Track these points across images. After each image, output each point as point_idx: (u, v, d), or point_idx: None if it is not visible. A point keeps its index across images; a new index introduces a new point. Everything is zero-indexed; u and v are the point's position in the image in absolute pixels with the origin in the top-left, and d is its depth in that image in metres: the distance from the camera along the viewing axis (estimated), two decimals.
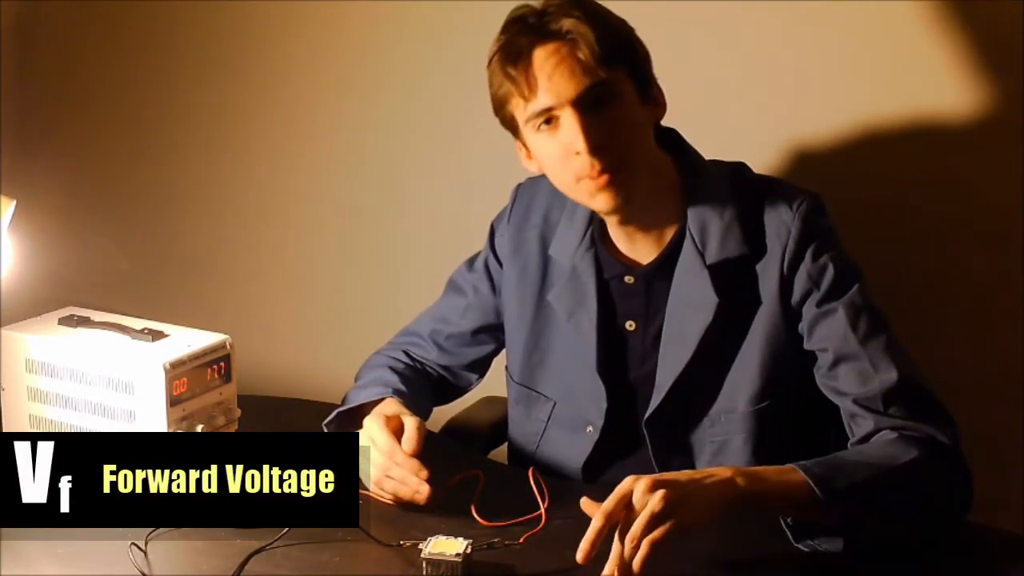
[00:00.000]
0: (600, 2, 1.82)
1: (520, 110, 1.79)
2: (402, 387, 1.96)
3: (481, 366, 2.10)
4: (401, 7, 2.55)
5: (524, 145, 1.86)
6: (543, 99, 1.76)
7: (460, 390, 2.13)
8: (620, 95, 1.77)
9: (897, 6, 2.19)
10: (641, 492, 1.53)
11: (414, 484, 1.73)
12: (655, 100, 1.84)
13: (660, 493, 1.52)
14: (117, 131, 2.83)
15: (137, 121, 2.81)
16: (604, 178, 1.76)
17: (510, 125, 1.85)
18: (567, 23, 1.75)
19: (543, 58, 1.76)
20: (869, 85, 2.25)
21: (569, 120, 1.75)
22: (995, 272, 2.25)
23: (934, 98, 2.21)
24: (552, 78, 1.75)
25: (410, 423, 1.78)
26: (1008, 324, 2.25)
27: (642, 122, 1.81)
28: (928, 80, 2.21)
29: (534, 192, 2.01)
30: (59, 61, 2.82)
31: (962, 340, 2.26)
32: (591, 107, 1.75)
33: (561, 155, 1.78)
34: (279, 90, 2.70)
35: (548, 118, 1.77)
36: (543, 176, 2.02)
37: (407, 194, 2.66)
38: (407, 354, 2.09)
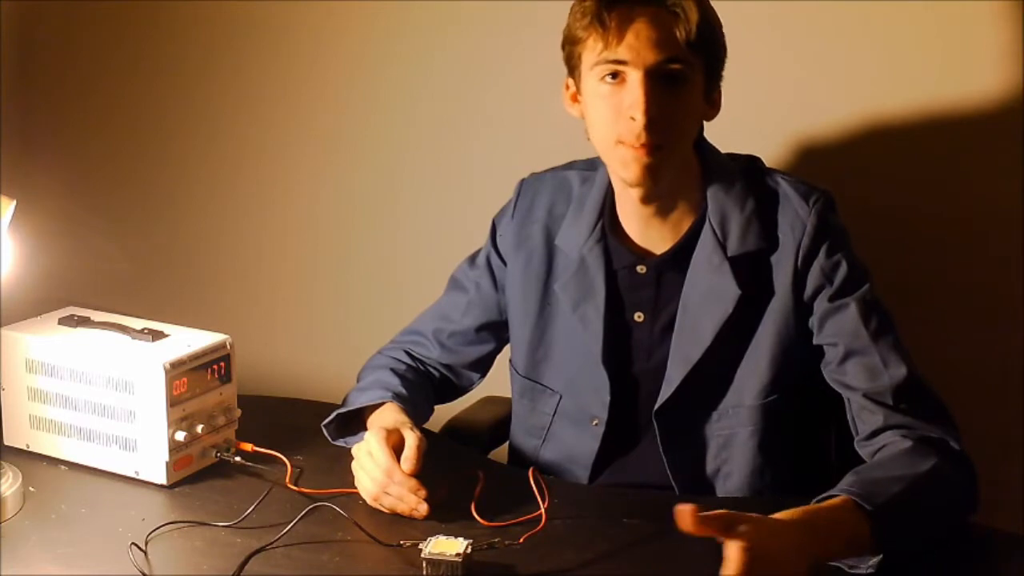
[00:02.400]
0: None
1: (593, 52, 1.79)
2: (403, 391, 1.96)
3: (483, 365, 2.10)
4: (401, 7, 2.55)
5: (576, 85, 1.85)
6: (622, 52, 1.76)
7: (462, 389, 2.13)
8: (690, 83, 1.78)
9: (903, 4, 2.19)
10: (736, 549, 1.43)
11: (412, 502, 1.73)
12: (714, 101, 1.85)
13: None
14: (117, 131, 2.83)
15: (137, 121, 2.81)
16: (645, 150, 1.77)
17: (571, 62, 1.85)
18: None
19: (641, 17, 1.76)
20: (874, 83, 2.25)
21: (636, 83, 1.76)
22: (996, 271, 2.25)
23: (938, 96, 2.21)
24: (640, 38, 1.75)
25: (411, 440, 1.76)
26: (1009, 323, 2.25)
27: (698, 116, 1.84)
28: (932, 78, 2.21)
29: (537, 187, 2.01)
30: (59, 61, 2.82)
31: (962, 339, 2.26)
32: (660, 81, 1.76)
33: (613, 113, 1.78)
34: (279, 90, 2.70)
35: (615, 72, 1.77)
36: (546, 172, 2.02)
37: (407, 194, 2.66)
38: (409, 354, 2.09)
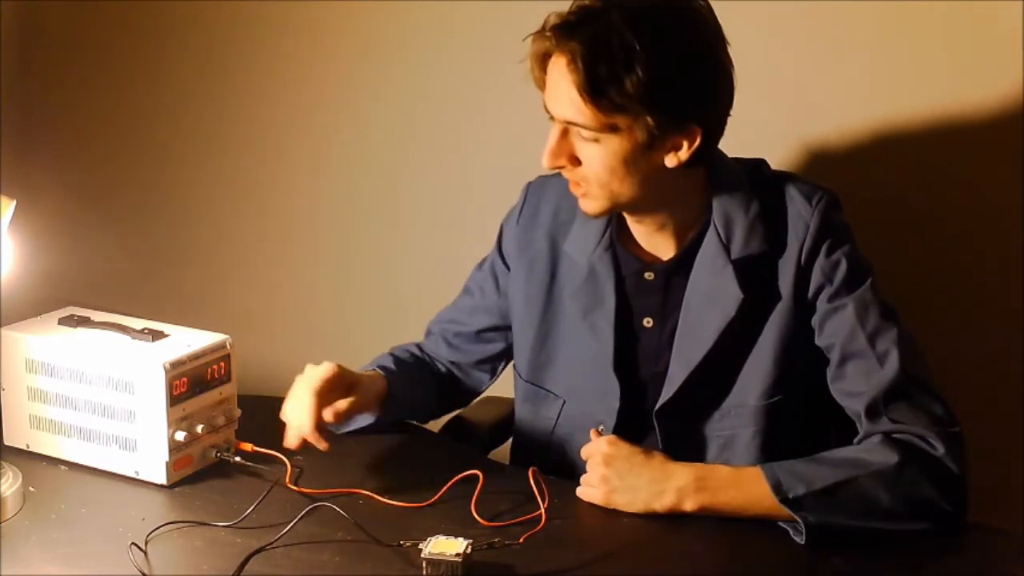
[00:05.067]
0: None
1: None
2: (393, 367, 2.01)
3: (491, 365, 2.11)
4: (402, 7, 2.55)
5: None
6: (546, 100, 1.78)
7: (473, 389, 2.14)
8: (607, 141, 1.74)
9: (912, 6, 2.19)
10: (596, 462, 1.76)
11: (297, 430, 1.81)
12: (671, 146, 1.75)
13: (600, 474, 1.75)
14: (117, 131, 2.83)
15: (137, 121, 2.81)
16: (575, 189, 1.81)
17: None
18: (579, 49, 1.69)
19: (552, 67, 1.75)
20: (883, 85, 2.25)
21: (553, 132, 1.78)
22: (999, 270, 2.24)
23: (946, 98, 2.20)
24: (550, 90, 1.76)
25: (326, 369, 1.85)
26: (1009, 323, 2.24)
27: (633, 165, 1.75)
28: (941, 80, 2.20)
29: (543, 192, 2.01)
30: (59, 61, 2.82)
31: (964, 338, 2.26)
32: (576, 132, 1.76)
33: None
34: (279, 90, 2.70)
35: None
36: (553, 175, 2.02)
37: (407, 195, 2.66)
38: (419, 347, 2.13)
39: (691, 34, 1.73)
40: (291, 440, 1.83)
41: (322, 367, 1.87)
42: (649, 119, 1.72)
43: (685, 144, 1.76)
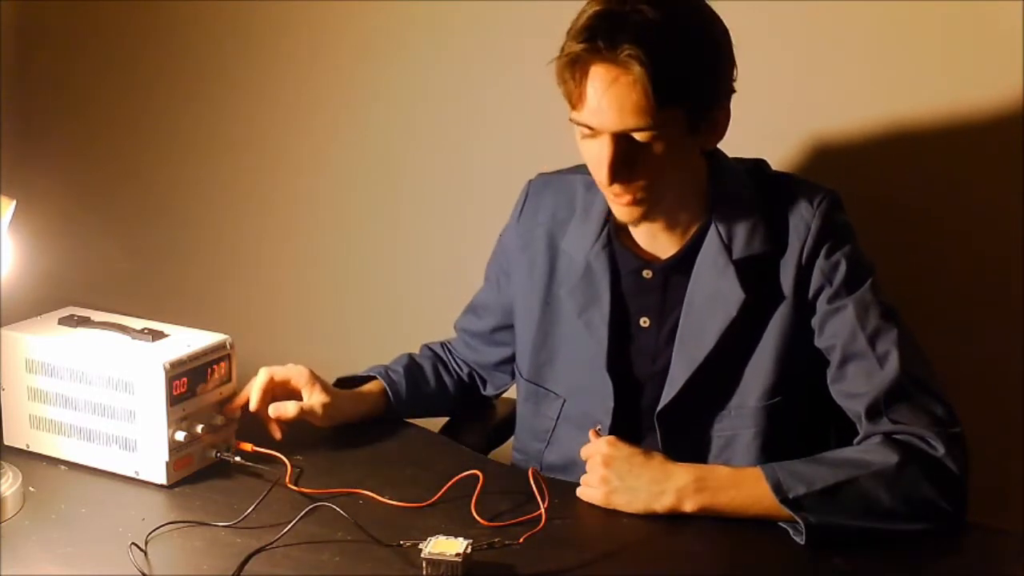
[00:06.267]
0: None
1: (569, 105, 1.76)
2: (401, 371, 2.06)
3: (509, 366, 2.11)
4: (402, 7, 2.55)
5: None
6: (587, 117, 1.73)
7: (497, 387, 2.16)
8: (663, 135, 1.72)
9: (913, 5, 2.19)
10: (596, 463, 1.76)
11: (240, 397, 1.90)
12: (711, 128, 1.78)
13: (600, 475, 1.74)
14: (117, 131, 2.83)
15: (137, 121, 2.81)
16: (624, 199, 1.78)
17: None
18: (631, 51, 1.65)
19: (597, 77, 1.69)
20: (882, 84, 2.25)
21: (604, 145, 1.72)
22: (999, 270, 2.24)
23: (948, 97, 2.20)
24: (600, 104, 1.70)
25: (296, 370, 1.94)
26: (1009, 323, 2.24)
27: (681, 154, 1.76)
28: (943, 79, 2.20)
29: (543, 190, 2.01)
30: (59, 61, 2.82)
31: (964, 338, 2.26)
32: (630, 139, 1.72)
33: (594, 162, 1.77)
34: (279, 90, 2.70)
35: (589, 125, 1.74)
36: (553, 174, 2.02)
37: (407, 195, 2.66)
38: (445, 345, 2.16)
39: (707, 8, 1.76)
40: (236, 401, 1.90)
41: (295, 368, 1.95)
42: (703, 101, 1.73)
43: (722, 118, 1.79)
